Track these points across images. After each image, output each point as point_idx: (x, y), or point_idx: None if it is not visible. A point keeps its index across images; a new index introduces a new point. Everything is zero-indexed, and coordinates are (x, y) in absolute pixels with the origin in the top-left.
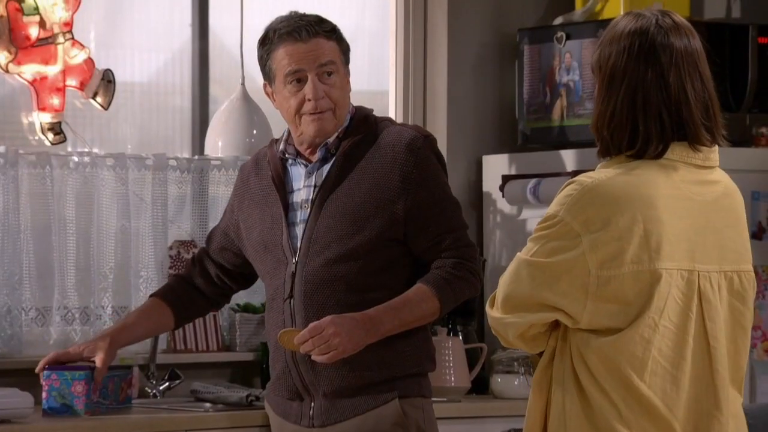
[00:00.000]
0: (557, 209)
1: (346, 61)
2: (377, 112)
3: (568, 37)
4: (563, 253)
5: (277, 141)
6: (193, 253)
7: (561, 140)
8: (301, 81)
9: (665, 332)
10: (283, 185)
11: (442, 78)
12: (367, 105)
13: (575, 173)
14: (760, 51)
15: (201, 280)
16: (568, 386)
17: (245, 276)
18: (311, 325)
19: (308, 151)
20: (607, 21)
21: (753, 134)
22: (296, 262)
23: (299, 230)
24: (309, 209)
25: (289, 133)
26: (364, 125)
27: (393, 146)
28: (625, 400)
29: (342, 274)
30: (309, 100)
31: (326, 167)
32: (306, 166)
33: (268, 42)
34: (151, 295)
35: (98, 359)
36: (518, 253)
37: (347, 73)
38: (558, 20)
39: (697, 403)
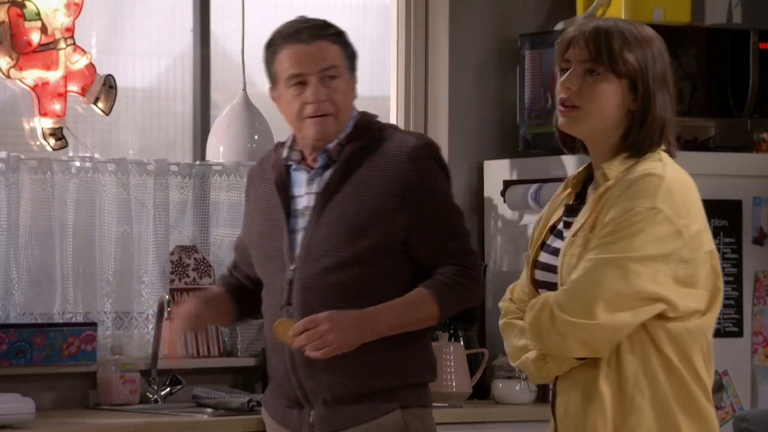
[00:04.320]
0: (651, 201)
1: (352, 67)
2: (379, 118)
3: None
4: (663, 242)
5: (282, 144)
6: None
7: None
8: (302, 84)
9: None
10: (285, 191)
11: (443, 83)
12: (369, 110)
13: None
14: (761, 56)
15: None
16: (660, 381)
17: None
18: (307, 318)
19: (311, 156)
20: None
21: (754, 140)
22: (294, 270)
23: (299, 237)
24: (309, 217)
25: (294, 138)
26: (367, 131)
27: (395, 155)
28: (708, 380)
29: (339, 282)
30: (310, 103)
31: (327, 174)
32: (308, 172)
33: (272, 45)
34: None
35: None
36: (606, 255)
37: (352, 79)
38: (559, 25)
39: None
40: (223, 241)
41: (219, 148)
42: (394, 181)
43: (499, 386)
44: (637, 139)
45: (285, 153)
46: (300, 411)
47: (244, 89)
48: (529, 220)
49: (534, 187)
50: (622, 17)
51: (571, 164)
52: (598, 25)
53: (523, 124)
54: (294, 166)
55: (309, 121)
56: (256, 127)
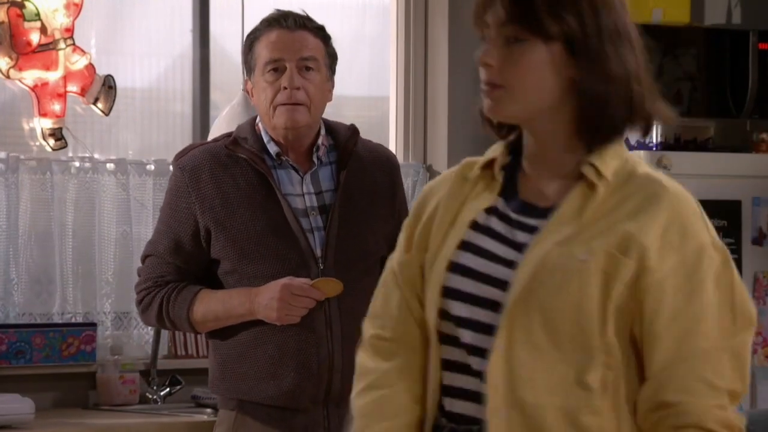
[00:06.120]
0: (712, 234)
1: (331, 67)
2: (378, 118)
3: None
4: None
5: (243, 139)
6: (171, 284)
7: None
8: (278, 71)
9: None
10: (278, 188)
11: (442, 84)
12: (368, 110)
13: None
14: (760, 57)
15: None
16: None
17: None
18: None
19: (297, 153)
20: None
21: (753, 140)
22: (323, 270)
23: (317, 237)
24: (321, 216)
25: (270, 136)
26: (353, 135)
27: (382, 162)
28: None
29: (368, 287)
30: (284, 88)
31: (323, 175)
32: (296, 170)
33: (252, 33)
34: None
35: None
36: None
37: (330, 79)
38: None
39: None
40: None
41: None
42: (387, 187)
43: None
44: (596, 117)
45: (276, 149)
46: (312, 414)
47: (244, 89)
48: None
49: None
50: None
51: None
52: None
53: None
54: (271, 163)
55: (281, 109)
56: None
